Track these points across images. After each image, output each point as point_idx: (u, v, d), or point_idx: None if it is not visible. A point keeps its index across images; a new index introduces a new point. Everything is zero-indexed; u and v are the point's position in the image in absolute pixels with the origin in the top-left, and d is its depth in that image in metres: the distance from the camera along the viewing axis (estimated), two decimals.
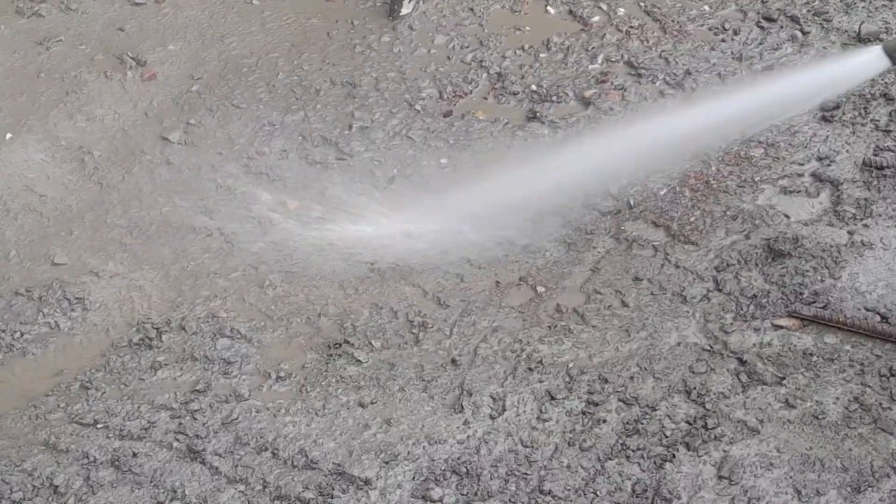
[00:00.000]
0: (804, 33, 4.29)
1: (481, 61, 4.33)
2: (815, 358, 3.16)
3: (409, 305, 3.38)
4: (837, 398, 3.05)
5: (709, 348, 3.20)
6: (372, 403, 3.12)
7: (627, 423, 3.02)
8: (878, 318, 3.25)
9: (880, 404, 3.02)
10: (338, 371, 3.20)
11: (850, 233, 3.52)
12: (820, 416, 3.00)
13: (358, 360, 3.21)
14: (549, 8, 4.56)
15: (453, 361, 3.20)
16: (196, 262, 3.59)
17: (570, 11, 4.54)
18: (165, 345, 3.34)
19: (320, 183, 3.82)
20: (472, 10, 4.55)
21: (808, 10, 4.40)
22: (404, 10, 4.43)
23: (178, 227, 3.72)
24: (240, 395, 3.18)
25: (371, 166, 3.87)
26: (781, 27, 4.35)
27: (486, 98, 4.18)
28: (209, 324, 3.38)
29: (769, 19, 4.39)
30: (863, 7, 4.38)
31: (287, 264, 3.57)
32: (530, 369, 3.16)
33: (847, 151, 3.81)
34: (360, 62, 4.29)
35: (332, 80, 4.21)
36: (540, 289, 3.40)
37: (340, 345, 3.27)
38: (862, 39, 4.23)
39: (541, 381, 3.12)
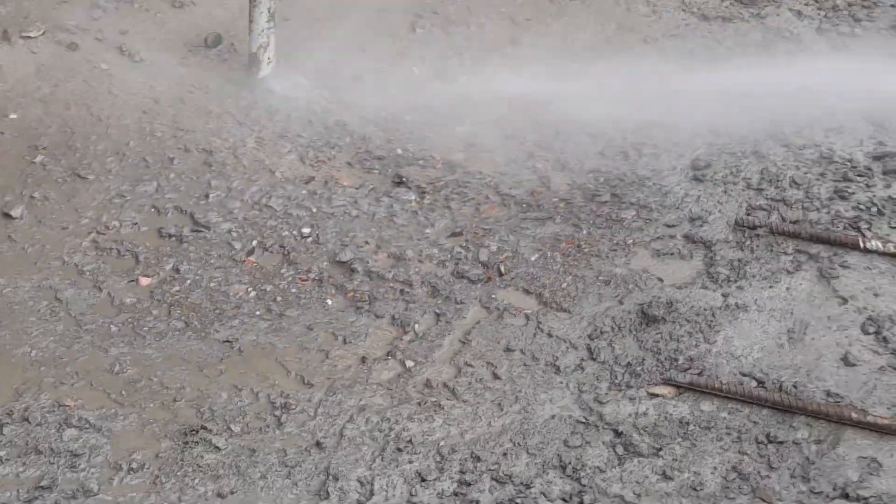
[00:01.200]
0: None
1: (345, 124, 4.26)
2: (691, 427, 3.14)
3: (271, 385, 3.25)
4: (715, 468, 3.03)
5: (584, 420, 3.15)
6: (231, 493, 2.96)
7: (501, 502, 2.92)
8: (753, 382, 3.26)
9: (758, 472, 3.01)
10: (195, 459, 3.03)
11: (724, 295, 3.55)
12: (698, 488, 2.98)
13: (216, 447, 3.05)
14: (413, 68, 4.55)
15: (318, 444, 3.07)
16: (40, 346, 3.39)
17: (436, 71, 4.60)
18: (7, 438, 3.12)
19: (175, 257, 3.64)
20: (334, 71, 4.56)
21: (679, 67, 4.52)
22: (263, 73, 4.35)
23: (20, 308, 3.51)
24: (88, 490, 2.99)
25: (229, 238, 3.73)
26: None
27: (350, 163, 4.09)
28: (55, 413, 3.18)
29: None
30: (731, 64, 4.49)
31: (140, 346, 3.38)
32: (399, 449, 3.06)
33: (719, 211, 3.87)
34: (215, 127, 4.20)
35: (186, 147, 4.10)
36: (408, 363, 3.32)
37: (197, 431, 3.10)
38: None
39: (410, 462, 3.02)
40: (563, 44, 4.40)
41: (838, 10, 4.57)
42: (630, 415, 3.17)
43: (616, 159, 4.17)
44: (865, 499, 2.95)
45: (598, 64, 4.42)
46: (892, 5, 4.59)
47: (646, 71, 4.29)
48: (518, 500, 2.93)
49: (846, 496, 2.95)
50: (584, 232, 3.77)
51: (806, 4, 4.63)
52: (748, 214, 3.81)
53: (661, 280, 3.61)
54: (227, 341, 3.39)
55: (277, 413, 3.17)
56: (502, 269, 3.62)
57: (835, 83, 4.26)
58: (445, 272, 3.63)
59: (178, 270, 3.64)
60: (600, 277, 3.60)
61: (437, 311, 3.50)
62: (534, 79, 4.31)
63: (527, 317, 3.47)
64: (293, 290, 3.59)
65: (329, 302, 3.55)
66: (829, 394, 3.24)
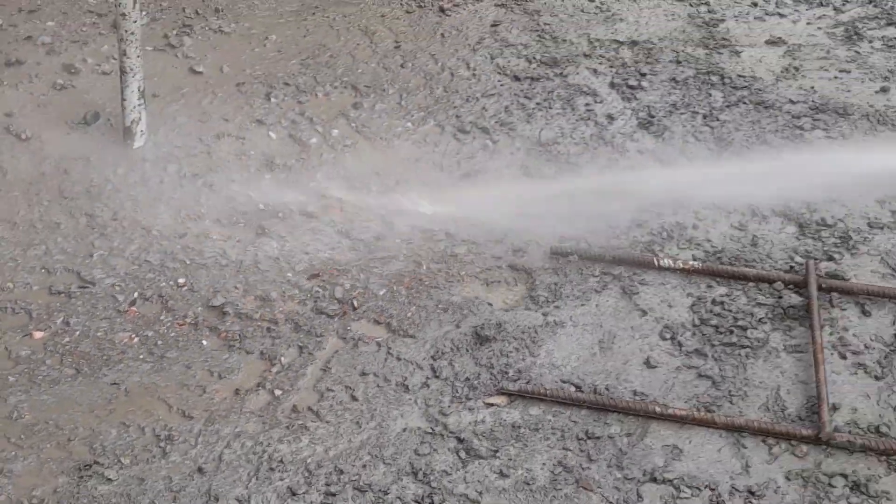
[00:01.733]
0: (493, 142, 4.56)
1: (211, 185, 4.34)
2: (522, 429, 3.30)
3: (156, 420, 3.35)
4: (544, 464, 3.19)
5: (431, 431, 3.30)
6: None
7: None
8: (573, 387, 3.45)
9: (580, 465, 3.19)
10: (90, 491, 3.12)
11: (544, 314, 3.72)
12: (530, 482, 3.14)
13: (108, 479, 3.15)
14: (270, 133, 4.64)
15: (200, 470, 3.17)
16: None
17: (290, 135, 4.62)
18: None
19: (65, 311, 3.70)
20: (200, 139, 4.58)
21: (496, 122, 4.68)
22: (137, 144, 4.43)
23: None
24: None
25: (113, 291, 3.80)
26: (474, 138, 4.60)
27: (218, 219, 4.17)
28: None
29: (463, 131, 4.65)
30: (541, 116, 4.68)
31: (36, 393, 3.45)
32: (272, 469, 3.17)
33: (537, 243, 4.02)
34: (97, 194, 4.24)
35: (71, 213, 4.15)
36: (277, 392, 3.44)
37: (91, 465, 3.19)
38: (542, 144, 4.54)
39: (282, 479, 3.15)
40: (398, 106, 4.54)
41: (627, 66, 4.81)
42: (470, 423, 3.33)
43: None
44: (671, 480, 3.14)
45: (428, 121, 4.55)
46: (670, 61, 4.83)
47: (467, 125, 4.44)
48: None
49: (654, 479, 3.15)
50: (424, 268, 3.86)
51: (600, 64, 4.84)
52: (560, 244, 3.95)
53: (490, 305, 3.75)
54: (115, 383, 3.47)
55: (162, 444, 3.27)
56: (355, 303, 3.73)
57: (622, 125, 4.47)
58: (306, 309, 3.75)
59: (68, 323, 3.70)
60: (440, 306, 3.75)
61: (300, 344, 3.62)
62: (374, 137, 4.44)
63: (378, 344, 3.61)
64: (172, 335, 3.67)
65: (204, 342, 3.64)
66: (635, 393, 3.44)
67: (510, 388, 3.41)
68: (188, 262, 3.97)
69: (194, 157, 4.52)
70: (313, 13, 5.60)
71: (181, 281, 3.90)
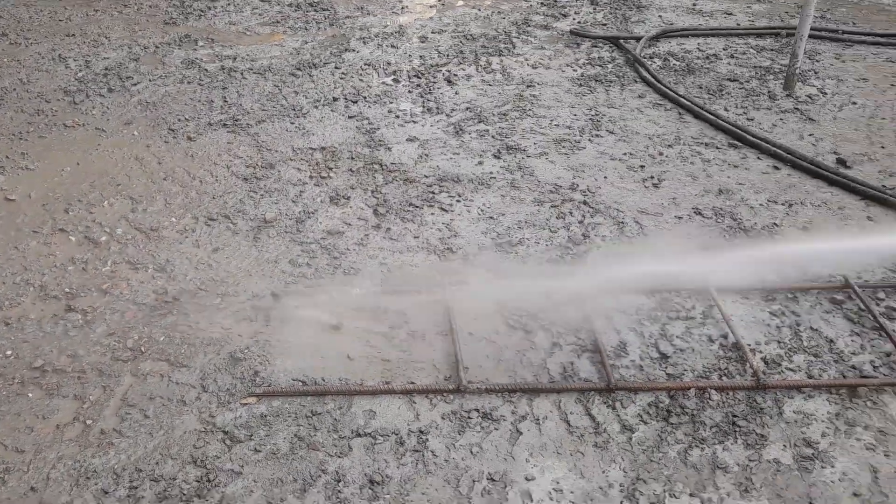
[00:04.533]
0: (234, 223, 4.43)
1: (27, 280, 4.04)
2: (268, 417, 3.27)
3: None
4: (285, 438, 3.18)
5: (204, 429, 3.24)
6: None
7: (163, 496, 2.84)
8: (300, 383, 3.41)
9: (310, 434, 3.19)
10: None
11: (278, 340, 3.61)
12: (276, 452, 3.13)
13: None
14: (70, 237, 4.31)
15: (32, 489, 2.97)
16: None
17: (86, 237, 4.33)
18: None
19: None
20: (16, 247, 4.23)
21: (235, 210, 4.57)
22: None
23: None
24: None
25: None
26: (220, 223, 4.45)
27: (33, 303, 3.85)
28: None
29: (211, 220, 4.48)
30: (265, 202, 4.59)
31: None
32: (88, 478, 2.99)
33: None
34: None
35: None
36: (88, 422, 3.24)
37: None
38: (266, 222, 4.45)
39: (96, 484, 2.98)
40: (164, 207, 4.31)
41: (318, 163, 4.79)
42: (231, 419, 3.26)
43: None
44: (370, 433, 3.18)
45: (186, 216, 4.34)
46: (348, 158, 4.82)
47: (214, 215, 4.27)
48: (168, 491, 2.92)
49: (359, 434, 3.19)
50: (191, 317, 3.71)
51: (301, 163, 4.81)
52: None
53: (240, 335, 3.66)
54: None
55: (1, 476, 3.01)
56: (143, 349, 3.52)
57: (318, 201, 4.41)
58: (106, 359, 3.56)
59: None
60: (204, 342, 3.61)
61: (103, 384, 3.42)
62: (147, 231, 4.20)
63: (161, 375, 3.45)
64: (4, 393, 3.38)
65: (30, 395, 3.36)
66: (340, 379, 3.43)
67: (257, 391, 3.30)
68: (13, 339, 3.60)
69: (12, 261, 4.20)
70: (97, 149, 5.26)
71: (8, 353, 3.58)
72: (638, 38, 7.31)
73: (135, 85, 6.20)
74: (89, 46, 6.85)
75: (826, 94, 6.24)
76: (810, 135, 5.60)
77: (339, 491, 2.90)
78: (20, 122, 5.59)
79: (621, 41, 7.27)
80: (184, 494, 2.90)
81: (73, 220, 4.49)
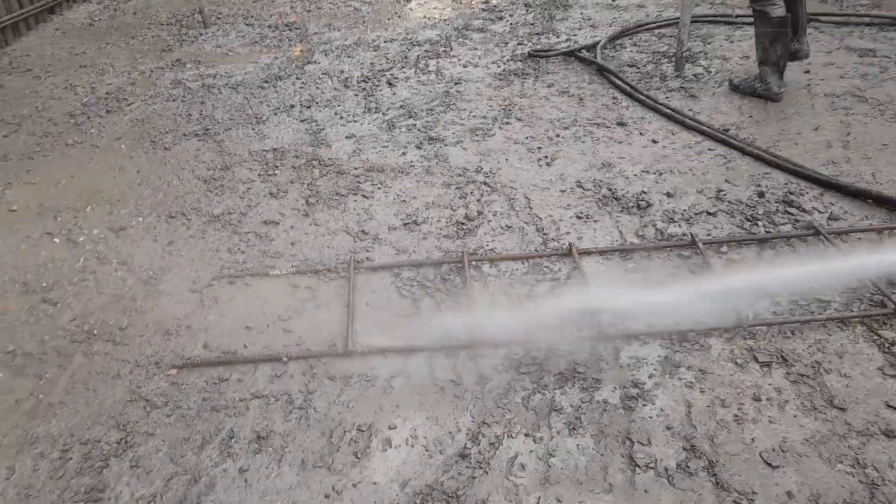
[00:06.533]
0: (188, 220, 4.32)
1: (14, 279, 3.95)
2: (183, 385, 3.18)
3: None
4: (195, 402, 3.06)
5: (131, 399, 3.14)
6: None
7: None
8: (215, 355, 3.29)
9: (214, 397, 3.04)
10: None
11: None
12: (185, 415, 2.98)
13: None
14: (55, 239, 4.23)
15: None
16: None
17: (68, 238, 4.28)
18: None
19: None
20: (9, 251, 4.15)
21: (191, 208, 4.43)
22: None
23: None
24: None
25: None
26: (177, 220, 4.34)
27: (16, 297, 3.81)
28: None
29: (171, 217, 4.38)
30: (217, 200, 4.46)
31: None
32: (31, 444, 2.93)
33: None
34: None
35: None
36: (41, 396, 3.13)
37: None
38: (216, 217, 4.31)
39: (37, 449, 2.86)
40: (135, 209, 4.20)
41: (269, 162, 4.63)
42: (153, 388, 3.18)
43: None
44: (266, 395, 3.07)
45: (151, 215, 4.26)
46: (293, 156, 4.68)
47: (174, 213, 4.16)
48: (91, 452, 2.80)
49: (257, 397, 3.06)
50: (139, 302, 3.60)
51: (254, 164, 4.64)
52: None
53: (175, 316, 3.57)
54: None
55: None
56: (95, 332, 3.45)
57: (261, 197, 4.27)
58: (65, 342, 3.48)
59: None
60: (145, 323, 3.47)
61: (59, 364, 3.32)
62: (118, 230, 4.10)
63: (105, 354, 3.39)
64: None
65: (1, 375, 3.29)
66: (245, 346, 3.31)
67: (177, 363, 3.23)
68: None
69: (4, 262, 4.11)
70: (90, 162, 5.17)
71: None
72: (591, 48, 6.46)
73: (129, 105, 6.07)
74: (97, 75, 6.73)
75: (710, 72, 5.91)
76: (690, 109, 5.31)
77: (230, 446, 2.84)
78: (31, 143, 5.52)
79: (576, 53, 6.39)
80: (104, 454, 2.87)
81: (60, 225, 4.41)
